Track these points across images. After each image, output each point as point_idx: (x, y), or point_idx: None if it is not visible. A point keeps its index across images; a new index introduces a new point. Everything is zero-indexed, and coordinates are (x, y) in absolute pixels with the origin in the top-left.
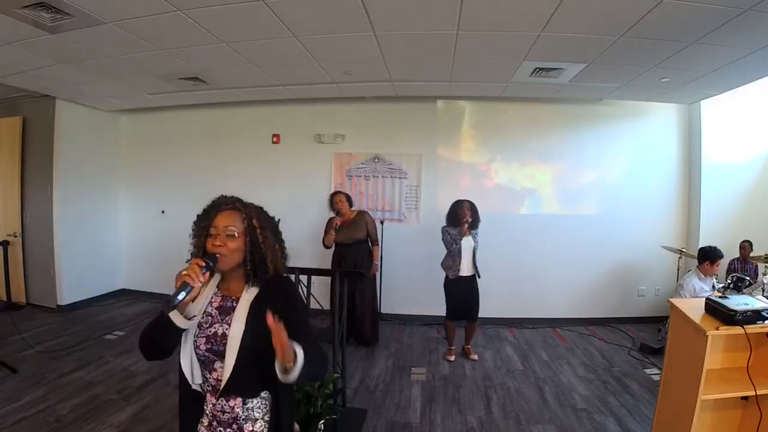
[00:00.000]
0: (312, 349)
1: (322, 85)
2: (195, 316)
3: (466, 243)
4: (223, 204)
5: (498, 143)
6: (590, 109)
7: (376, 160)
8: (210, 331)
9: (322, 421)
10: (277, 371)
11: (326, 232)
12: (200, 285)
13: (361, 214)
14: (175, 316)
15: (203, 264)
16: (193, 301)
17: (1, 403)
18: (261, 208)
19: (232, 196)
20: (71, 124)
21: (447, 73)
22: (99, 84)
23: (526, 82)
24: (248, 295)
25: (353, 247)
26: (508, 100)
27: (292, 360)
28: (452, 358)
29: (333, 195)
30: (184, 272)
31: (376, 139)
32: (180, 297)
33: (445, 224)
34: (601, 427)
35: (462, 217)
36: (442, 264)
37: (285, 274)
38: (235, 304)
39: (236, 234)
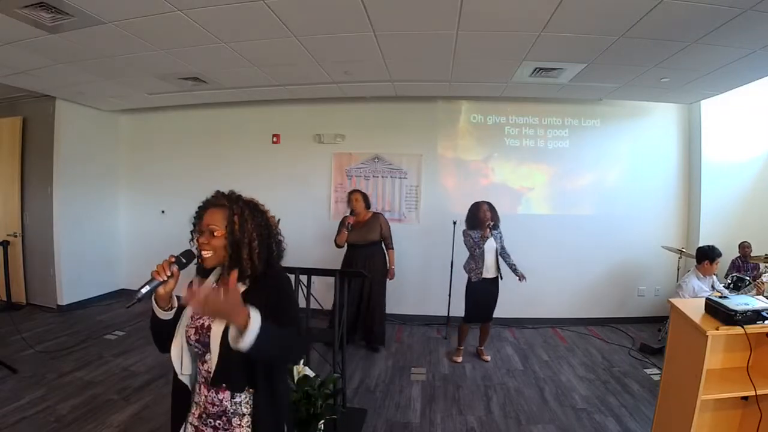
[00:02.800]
0: (283, 329)
1: (322, 85)
2: (174, 307)
3: (489, 245)
4: (211, 202)
5: (497, 143)
6: (590, 109)
7: (376, 160)
8: (198, 323)
9: (322, 421)
10: (230, 337)
11: (339, 231)
12: (166, 278)
13: (376, 215)
14: (155, 308)
15: (174, 260)
16: (170, 294)
17: (1, 403)
18: (250, 203)
19: (225, 193)
20: (71, 124)
21: (447, 73)
22: (99, 84)
23: (526, 82)
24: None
25: (366, 248)
26: (508, 100)
27: (244, 322)
28: (460, 359)
29: (350, 193)
30: (155, 268)
31: (376, 139)
32: (144, 291)
33: (465, 227)
34: (601, 427)
35: (484, 220)
36: (464, 266)
37: (280, 269)
38: None
39: (216, 233)
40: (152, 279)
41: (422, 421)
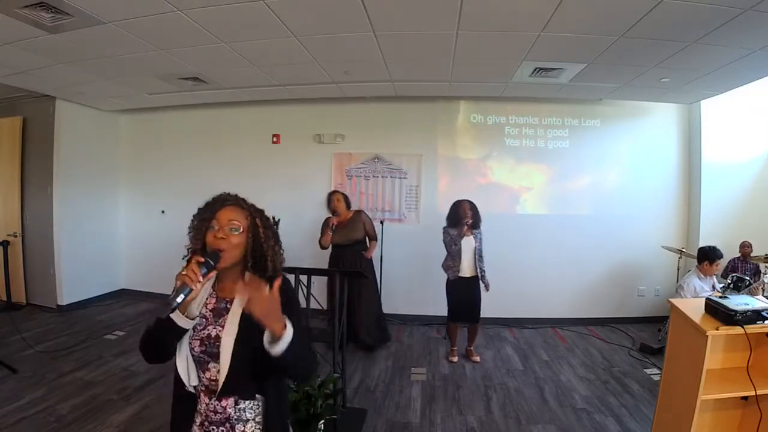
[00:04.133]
0: (302, 339)
1: (322, 85)
2: (197, 315)
3: (467, 244)
4: (226, 199)
5: (497, 143)
6: (590, 109)
7: (376, 160)
8: (204, 333)
9: (322, 421)
10: (264, 341)
11: (323, 232)
12: (200, 286)
13: (357, 213)
14: (177, 317)
15: (202, 261)
16: (194, 300)
17: (1, 403)
18: (262, 210)
19: (235, 194)
20: (71, 124)
21: (447, 73)
22: (99, 84)
23: (526, 82)
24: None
25: (351, 248)
26: (508, 99)
27: (282, 329)
28: (455, 359)
29: (330, 194)
30: (183, 272)
31: (376, 139)
32: (179, 299)
33: (445, 225)
34: (601, 427)
35: (462, 218)
36: (442, 265)
37: (281, 274)
38: (229, 306)
39: (240, 229)
40: (183, 285)
41: (422, 421)
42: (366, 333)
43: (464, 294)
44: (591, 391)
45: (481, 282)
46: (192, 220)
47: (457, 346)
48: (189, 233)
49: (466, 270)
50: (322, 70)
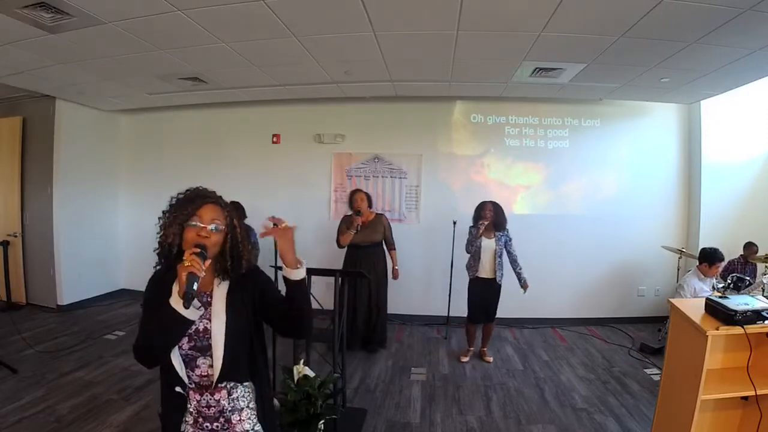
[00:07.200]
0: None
1: (322, 85)
2: (201, 306)
3: (487, 244)
4: (207, 196)
5: (497, 143)
6: (590, 109)
7: (376, 160)
8: (191, 329)
9: (322, 421)
10: (284, 273)
11: (342, 231)
12: (204, 274)
13: (380, 216)
14: (183, 308)
15: (198, 251)
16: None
17: (1, 403)
18: (237, 208)
19: (212, 191)
20: (71, 124)
21: (447, 73)
22: (99, 84)
23: (526, 82)
24: (221, 289)
25: (369, 249)
26: (508, 100)
27: (296, 264)
28: (466, 359)
29: (353, 192)
30: (186, 264)
31: (376, 139)
32: (195, 288)
33: (471, 224)
34: (601, 427)
35: (481, 218)
36: (465, 265)
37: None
38: (209, 299)
39: (220, 228)
40: (191, 275)
41: (422, 421)
42: (379, 336)
43: (481, 295)
44: (591, 391)
45: (518, 282)
46: (166, 214)
47: (474, 347)
48: (163, 227)
49: (485, 271)
50: (322, 70)
